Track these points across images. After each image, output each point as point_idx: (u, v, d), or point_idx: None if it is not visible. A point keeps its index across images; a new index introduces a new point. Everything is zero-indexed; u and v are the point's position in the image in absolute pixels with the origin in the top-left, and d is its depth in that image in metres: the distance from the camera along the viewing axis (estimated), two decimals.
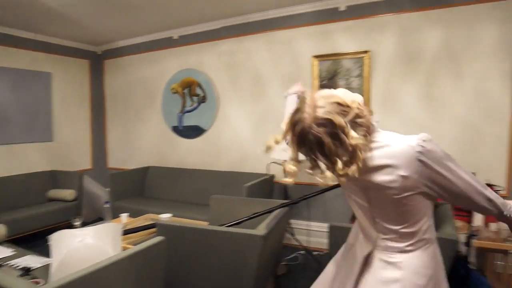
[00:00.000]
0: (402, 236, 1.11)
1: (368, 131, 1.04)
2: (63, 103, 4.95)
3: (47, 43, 4.71)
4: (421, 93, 3.40)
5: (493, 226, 2.70)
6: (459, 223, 2.77)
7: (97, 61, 5.42)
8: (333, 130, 0.99)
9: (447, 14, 3.28)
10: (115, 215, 3.29)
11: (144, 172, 4.76)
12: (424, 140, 1.03)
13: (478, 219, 2.78)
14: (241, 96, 4.19)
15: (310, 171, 1.11)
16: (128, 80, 5.19)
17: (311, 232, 3.79)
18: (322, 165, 1.07)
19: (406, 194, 1.04)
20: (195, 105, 4.51)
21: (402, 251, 1.11)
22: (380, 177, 1.05)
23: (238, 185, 3.69)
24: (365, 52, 3.51)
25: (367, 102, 3.54)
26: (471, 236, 2.40)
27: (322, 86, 3.70)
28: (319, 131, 0.99)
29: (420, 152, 1.02)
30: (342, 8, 3.61)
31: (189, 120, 4.58)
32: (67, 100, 5.00)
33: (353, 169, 1.00)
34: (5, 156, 4.29)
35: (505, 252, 2.61)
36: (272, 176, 3.84)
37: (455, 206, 2.85)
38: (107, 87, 5.45)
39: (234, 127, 4.26)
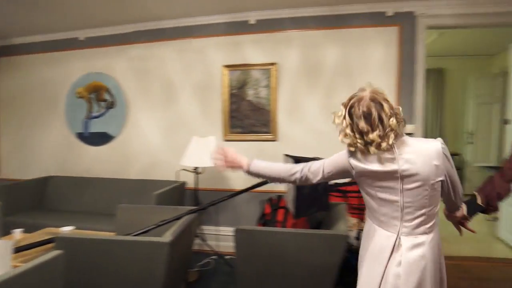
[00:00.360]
0: (428, 217, 1.44)
1: (400, 127, 1.41)
2: None
3: None
4: (322, 104, 3.74)
5: None
6: (354, 220, 3.10)
7: None
8: (380, 110, 1.38)
9: (344, 34, 3.67)
10: (6, 232, 2.98)
11: (43, 182, 4.37)
12: (442, 142, 1.44)
13: None
14: (152, 103, 4.13)
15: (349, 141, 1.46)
16: (26, 81, 4.72)
17: (222, 237, 3.88)
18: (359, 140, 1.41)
19: (435, 180, 1.40)
20: (102, 111, 4.30)
21: (425, 232, 1.44)
22: (427, 168, 1.39)
23: (148, 193, 3.62)
24: (273, 64, 3.74)
25: (274, 111, 3.77)
26: (360, 231, 2.70)
27: (232, 95, 3.84)
28: (372, 105, 1.39)
29: (443, 148, 1.42)
30: (252, 21, 3.79)
31: (96, 127, 4.34)
32: None
33: (383, 145, 1.37)
34: None
35: None
36: (183, 183, 3.85)
37: (353, 206, 3.19)
38: (1, 88, 4.90)
39: (145, 134, 4.17)
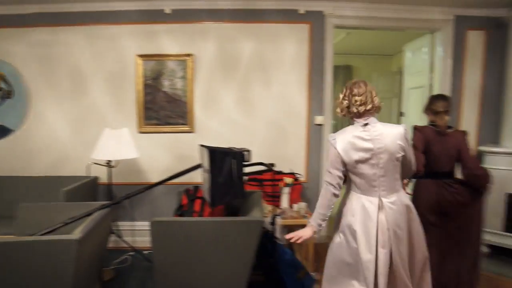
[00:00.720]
0: (395, 181, 1.95)
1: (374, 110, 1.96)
2: None
3: None
4: (238, 96, 3.82)
5: (295, 206, 3.29)
6: (270, 207, 3.26)
7: None
8: (371, 91, 1.94)
9: (258, 29, 3.78)
10: None
11: None
12: (405, 128, 1.94)
13: (284, 202, 3.33)
14: (59, 93, 3.79)
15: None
16: None
17: (139, 232, 3.77)
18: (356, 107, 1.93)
19: (398, 155, 1.90)
20: None
21: (395, 191, 1.95)
22: (393, 145, 1.88)
23: (57, 190, 3.36)
24: (189, 55, 3.71)
25: (190, 103, 3.76)
26: (275, 216, 2.86)
27: (147, 86, 3.72)
28: (365, 84, 1.95)
29: (405, 132, 1.93)
30: (168, 11, 3.70)
31: None
32: None
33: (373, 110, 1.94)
34: None
35: (303, 226, 3.20)
36: (96, 178, 3.64)
37: (268, 193, 3.34)
38: None
39: (51, 127, 3.82)
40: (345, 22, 3.93)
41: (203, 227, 2.15)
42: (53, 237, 1.87)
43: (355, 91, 1.94)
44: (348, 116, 2.02)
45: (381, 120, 1.96)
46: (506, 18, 3.84)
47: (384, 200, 1.91)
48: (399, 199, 1.94)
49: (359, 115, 1.93)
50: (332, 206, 1.99)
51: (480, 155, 3.92)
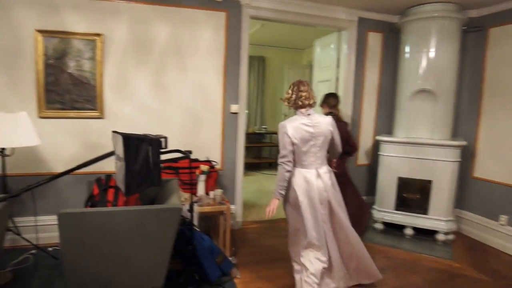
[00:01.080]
0: (325, 157, 2.66)
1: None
2: None
3: None
4: (152, 81, 3.68)
5: (212, 193, 3.32)
6: (186, 195, 3.24)
7: None
8: (311, 89, 2.65)
9: (174, 13, 3.67)
10: None
11: None
12: (332, 118, 2.67)
13: (201, 189, 3.34)
14: None
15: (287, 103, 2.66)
16: None
17: (42, 227, 3.42)
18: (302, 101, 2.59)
19: (329, 137, 2.61)
20: None
21: (324, 164, 2.64)
22: (326, 130, 2.57)
23: None
24: (98, 35, 3.44)
25: (100, 86, 3.50)
26: (193, 204, 2.85)
27: (49, 66, 3.35)
28: (308, 84, 2.64)
29: (332, 121, 2.65)
30: None
31: None
32: None
33: (311, 102, 2.59)
34: None
35: (220, 212, 3.28)
36: None
37: (185, 181, 3.31)
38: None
39: None
40: (260, 14, 4.04)
41: (118, 217, 2.05)
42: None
43: (302, 88, 2.57)
44: (293, 107, 2.63)
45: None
46: (398, 24, 4.36)
47: (319, 170, 2.58)
48: (327, 169, 2.66)
49: (303, 107, 2.56)
50: (287, 179, 2.55)
51: (376, 144, 4.43)
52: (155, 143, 2.23)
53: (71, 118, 3.47)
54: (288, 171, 2.52)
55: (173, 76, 3.74)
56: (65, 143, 3.49)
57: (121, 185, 2.16)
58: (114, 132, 2.29)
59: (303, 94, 2.53)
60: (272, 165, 7.77)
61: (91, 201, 2.32)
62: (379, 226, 4.24)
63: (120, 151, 2.16)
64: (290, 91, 2.62)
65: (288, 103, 2.62)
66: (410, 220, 4.06)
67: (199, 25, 3.77)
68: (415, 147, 3.95)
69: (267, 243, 3.77)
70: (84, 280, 2.09)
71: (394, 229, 4.17)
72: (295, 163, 2.57)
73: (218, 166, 3.89)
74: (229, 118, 3.97)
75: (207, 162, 3.61)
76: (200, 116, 3.87)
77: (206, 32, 3.80)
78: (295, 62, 8.08)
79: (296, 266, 2.70)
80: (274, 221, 4.35)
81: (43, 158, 3.45)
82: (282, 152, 2.51)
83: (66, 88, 3.44)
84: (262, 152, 8.09)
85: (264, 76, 7.98)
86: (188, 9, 3.71)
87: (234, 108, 3.95)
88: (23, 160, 3.31)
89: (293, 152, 2.52)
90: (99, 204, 2.24)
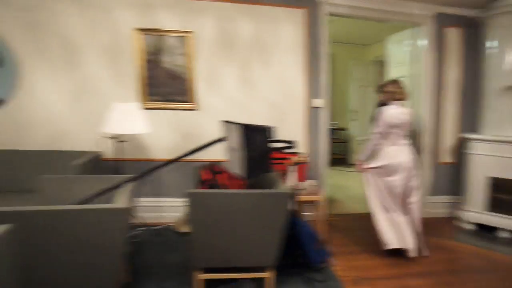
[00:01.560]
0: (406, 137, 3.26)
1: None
2: None
3: None
4: (239, 76, 3.84)
5: (304, 183, 3.41)
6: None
7: None
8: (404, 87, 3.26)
9: (256, 10, 3.80)
10: None
11: None
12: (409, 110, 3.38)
13: (292, 179, 3.42)
14: (51, 64, 3.51)
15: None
16: None
17: (144, 208, 3.74)
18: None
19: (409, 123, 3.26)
20: None
21: (406, 144, 3.23)
22: (408, 118, 3.19)
23: (54, 165, 3.27)
24: (189, 32, 3.65)
25: (192, 80, 3.74)
26: (295, 191, 2.98)
27: (147, 61, 3.63)
28: (401, 82, 3.26)
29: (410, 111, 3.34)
30: None
31: None
32: None
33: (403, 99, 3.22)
34: None
35: (312, 201, 3.39)
36: (99, 153, 3.54)
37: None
38: None
39: (45, 100, 3.54)
40: (338, 10, 4.05)
41: (239, 199, 2.21)
42: (104, 206, 1.85)
43: (397, 85, 3.19)
44: (389, 100, 3.19)
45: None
46: (479, 18, 4.20)
47: (403, 147, 3.15)
48: (408, 146, 3.20)
49: (397, 100, 3.16)
50: (372, 150, 3.22)
51: (463, 142, 4.30)
52: (267, 132, 2.38)
53: (167, 109, 3.74)
54: (376, 145, 3.21)
55: (258, 71, 3.89)
56: (163, 132, 3.76)
57: (238, 170, 2.33)
58: (227, 121, 2.46)
59: (399, 90, 3.18)
60: (342, 161, 7.65)
61: (208, 184, 2.52)
62: (469, 226, 4.09)
63: (236, 139, 2.33)
64: (390, 87, 3.22)
65: (384, 96, 3.23)
66: (505, 222, 3.83)
67: (280, 22, 3.88)
68: (507, 145, 3.76)
69: (356, 235, 3.79)
70: (210, 255, 2.29)
71: (484, 230, 3.96)
72: (384, 142, 3.20)
73: (305, 158, 3.99)
74: (312, 112, 4.06)
75: (296, 153, 3.72)
76: (283, 110, 4.00)
77: (287, 29, 3.90)
78: (360, 58, 7.98)
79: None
80: (356, 214, 4.40)
81: (144, 145, 3.74)
82: (377, 130, 3.18)
83: (163, 82, 3.70)
84: (332, 148, 8.01)
85: (332, 73, 7.92)
86: (270, 6, 3.83)
87: (316, 102, 4.04)
88: (128, 146, 3.61)
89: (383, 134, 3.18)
90: (217, 187, 2.43)
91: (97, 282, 1.91)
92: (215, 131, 3.73)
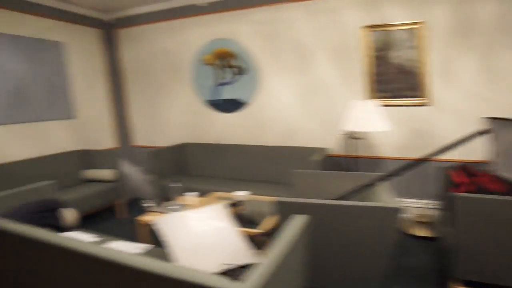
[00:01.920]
0: None
1: None
2: (80, 77, 4.54)
3: (56, 9, 4.23)
4: (480, 65, 3.37)
5: None
6: None
7: (109, 30, 4.97)
8: None
9: None
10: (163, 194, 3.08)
11: (180, 150, 4.55)
12: None
13: None
14: (285, 68, 4.02)
15: None
16: (146, 51, 4.83)
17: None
18: None
19: None
20: (231, 77, 4.28)
21: None
22: None
23: (285, 160, 3.62)
24: (418, 23, 3.43)
25: (423, 74, 3.49)
26: None
27: (375, 57, 3.60)
28: None
29: None
30: None
31: (226, 93, 4.36)
32: (83, 74, 4.59)
33: None
34: (26, 136, 3.90)
35: None
36: (328, 150, 3.77)
37: None
38: (124, 60, 5.05)
39: (278, 100, 4.11)
40: None
41: None
42: (378, 204, 1.90)
43: None
44: None
45: None
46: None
47: None
48: None
49: None
50: None
51: None
52: None
53: (396, 105, 3.64)
54: None
55: (507, 58, 3.28)
56: (392, 129, 3.71)
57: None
58: (492, 118, 2.17)
59: None
60: None
61: (465, 188, 2.29)
62: None
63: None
64: None
65: None
66: None
67: None
68: None
69: None
70: (476, 267, 2.08)
71: None
72: None
73: None
74: None
75: None
76: None
77: None
78: None
79: None
80: None
81: (374, 142, 3.78)
82: None
83: (391, 77, 3.61)
84: None
85: None
86: None
87: None
88: (353, 144, 3.71)
89: None
90: (485, 192, 2.18)
91: (369, 274, 2.01)
92: (450, 128, 3.41)
